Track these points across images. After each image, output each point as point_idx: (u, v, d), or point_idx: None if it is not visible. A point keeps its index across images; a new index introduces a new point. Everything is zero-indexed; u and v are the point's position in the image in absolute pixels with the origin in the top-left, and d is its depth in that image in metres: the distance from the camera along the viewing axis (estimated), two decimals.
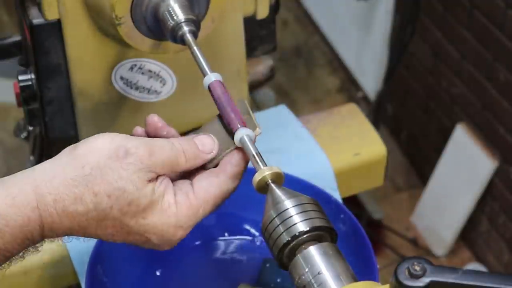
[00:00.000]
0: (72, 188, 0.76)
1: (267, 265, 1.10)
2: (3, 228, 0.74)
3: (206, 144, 0.84)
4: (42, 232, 0.77)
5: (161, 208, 0.79)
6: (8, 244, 0.75)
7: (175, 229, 0.80)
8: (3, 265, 0.77)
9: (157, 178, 0.80)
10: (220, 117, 0.88)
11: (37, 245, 0.79)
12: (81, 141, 0.80)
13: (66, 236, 0.80)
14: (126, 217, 0.78)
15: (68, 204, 0.76)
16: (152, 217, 0.79)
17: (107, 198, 0.77)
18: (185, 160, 0.81)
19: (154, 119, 0.88)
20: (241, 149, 0.85)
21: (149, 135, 0.87)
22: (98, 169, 0.77)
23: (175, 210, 0.80)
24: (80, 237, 0.80)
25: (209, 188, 0.82)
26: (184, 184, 0.83)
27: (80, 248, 1.11)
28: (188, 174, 0.85)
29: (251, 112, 0.89)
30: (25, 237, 0.76)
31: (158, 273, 1.12)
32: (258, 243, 1.16)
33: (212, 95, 0.89)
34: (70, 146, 0.80)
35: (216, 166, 0.85)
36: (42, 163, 0.79)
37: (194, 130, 0.90)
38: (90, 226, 0.78)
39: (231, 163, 0.84)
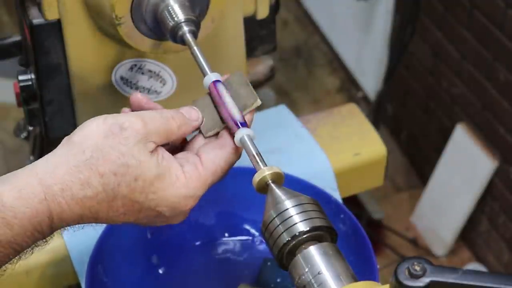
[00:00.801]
0: (77, 174, 0.77)
1: (267, 264, 1.10)
2: (12, 220, 0.74)
3: (191, 112, 0.86)
4: (52, 223, 0.77)
5: (169, 182, 0.80)
6: (18, 236, 0.75)
7: (185, 199, 0.81)
8: (13, 260, 0.77)
9: (157, 149, 0.81)
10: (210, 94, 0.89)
11: (46, 238, 0.79)
12: (76, 129, 0.80)
13: (77, 225, 0.80)
14: (135, 193, 0.79)
15: (76, 191, 0.77)
16: (162, 191, 0.80)
17: (113, 177, 0.77)
18: (177, 126, 0.83)
19: (138, 96, 0.89)
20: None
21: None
22: (98, 151, 0.77)
23: (184, 181, 0.81)
24: (92, 224, 0.80)
25: (216, 159, 0.83)
26: (189, 155, 0.84)
27: (80, 248, 1.11)
28: (181, 149, 0.87)
29: (249, 83, 0.89)
30: (35, 229, 0.76)
31: (158, 273, 1.12)
32: (258, 243, 1.16)
33: (212, 95, 0.89)
34: (66, 137, 0.80)
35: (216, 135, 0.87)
36: (42, 158, 0.79)
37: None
38: (101, 209, 0.78)
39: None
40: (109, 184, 0.77)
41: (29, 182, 0.76)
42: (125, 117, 0.80)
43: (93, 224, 0.81)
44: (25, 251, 0.78)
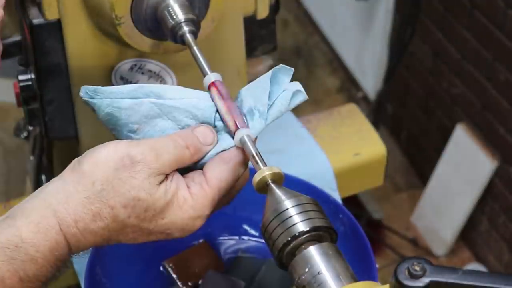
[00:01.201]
0: (88, 206, 0.77)
1: (267, 265, 1.10)
2: (35, 255, 0.75)
3: (207, 135, 0.84)
4: (70, 251, 0.78)
5: (177, 205, 0.80)
6: (43, 268, 0.76)
7: (194, 220, 0.81)
8: None
9: (166, 177, 0.80)
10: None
11: (67, 264, 0.80)
12: (85, 154, 0.80)
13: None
14: (145, 222, 0.79)
15: (88, 222, 0.77)
16: (170, 216, 0.80)
17: (123, 209, 0.78)
18: (190, 155, 0.82)
19: None
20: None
21: None
22: (109, 183, 0.77)
23: (191, 203, 0.81)
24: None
25: (221, 175, 0.83)
26: (195, 174, 0.83)
27: None
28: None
29: None
30: (57, 259, 0.77)
31: (157, 273, 1.12)
32: (258, 243, 1.16)
33: (212, 95, 0.89)
34: (74, 161, 0.80)
35: None
36: (52, 183, 0.79)
37: None
38: (112, 236, 0.80)
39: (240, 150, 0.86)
40: (119, 216, 0.78)
41: (45, 215, 0.77)
42: (137, 149, 0.79)
43: None
44: (50, 281, 0.79)
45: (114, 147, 0.79)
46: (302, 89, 0.86)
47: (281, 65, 0.86)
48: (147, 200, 0.78)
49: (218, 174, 0.83)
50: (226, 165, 0.83)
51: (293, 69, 0.86)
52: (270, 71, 0.85)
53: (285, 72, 0.86)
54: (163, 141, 0.81)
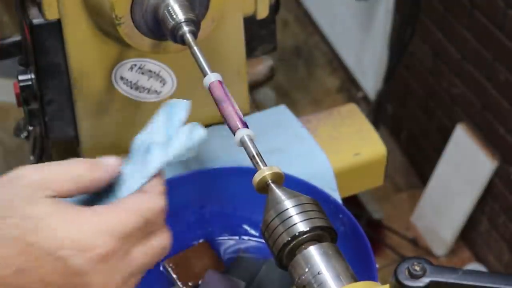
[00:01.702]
0: None
1: (267, 265, 1.10)
2: None
3: (108, 159, 0.71)
4: None
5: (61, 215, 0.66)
6: None
7: (93, 237, 0.66)
8: None
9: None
10: None
11: None
12: None
13: None
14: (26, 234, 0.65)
15: None
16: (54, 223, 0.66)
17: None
18: (85, 169, 0.69)
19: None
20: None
21: None
22: None
23: (91, 213, 0.67)
24: None
25: (127, 200, 0.70)
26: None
27: None
28: None
29: None
30: None
31: (157, 273, 1.12)
32: (258, 243, 1.16)
33: (212, 95, 0.89)
34: None
35: None
36: None
37: None
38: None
39: (153, 183, 0.72)
40: None
41: None
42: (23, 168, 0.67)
43: None
44: None
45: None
46: (201, 126, 0.77)
47: (174, 100, 0.79)
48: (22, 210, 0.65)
49: (125, 199, 0.70)
50: (139, 194, 0.71)
51: (189, 102, 0.79)
52: (163, 108, 0.79)
53: (180, 107, 0.78)
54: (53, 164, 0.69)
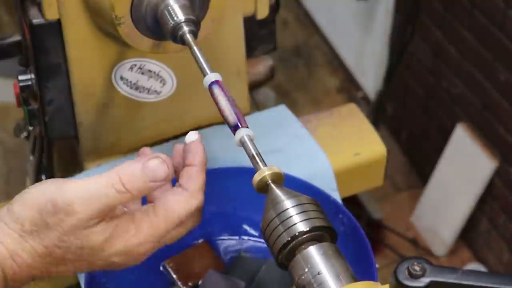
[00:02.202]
0: (24, 243, 0.76)
1: (267, 265, 1.10)
2: None
3: (157, 173, 0.78)
4: (6, 284, 0.77)
5: (118, 236, 0.78)
6: None
7: (137, 247, 0.80)
8: None
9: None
10: None
11: None
12: (22, 192, 0.78)
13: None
14: (83, 256, 0.78)
15: (25, 258, 0.77)
16: (111, 247, 0.78)
17: (58, 249, 0.77)
18: (131, 197, 0.77)
19: (145, 151, 0.88)
20: (193, 160, 0.83)
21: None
22: (38, 226, 0.76)
23: (133, 232, 0.79)
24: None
25: (168, 205, 0.80)
26: (145, 204, 0.82)
27: None
28: None
29: None
30: None
31: (157, 273, 1.12)
32: (258, 243, 1.16)
33: (212, 95, 0.89)
34: (15, 198, 0.79)
35: None
36: None
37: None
38: (50, 268, 0.79)
39: (189, 179, 0.83)
40: (54, 253, 0.77)
41: None
42: (64, 196, 0.75)
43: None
44: None
45: (43, 189, 0.77)
46: None
47: None
48: (80, 242, 0.77)
49: (164, 203, 0.81)
50: (174, 196, 0.81)
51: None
52: None
53: None
54: (96, 189, 0.76)
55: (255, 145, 0.84)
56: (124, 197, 0.76)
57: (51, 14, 1.06)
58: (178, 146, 0.87)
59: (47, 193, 0.76)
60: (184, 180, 0.83)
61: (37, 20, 1.07)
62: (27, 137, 1.39)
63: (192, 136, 0.86)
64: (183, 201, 0.81)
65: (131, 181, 0.76)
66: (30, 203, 0.76)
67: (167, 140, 1.22)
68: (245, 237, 1.17)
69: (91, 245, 0.77)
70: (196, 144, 0.85)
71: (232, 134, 0.86)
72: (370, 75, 2.81)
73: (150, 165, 0.77)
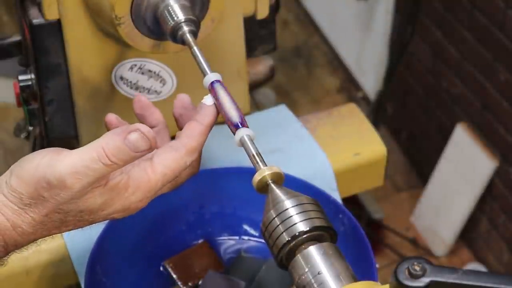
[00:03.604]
0: (24, 215, 0.79)
1: (267, 265, 1.10)
2: None
3: (138, 144, 0.80)
4: (7, 249, 0.80)
5: (116, 197, 0.81)
6: None
7: (135, 203, 0.83)
8: None
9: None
10: None
11: (4, 259, 0.82)
12: (18, 161, 0.81)
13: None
14: (83, 217, 0.81)
15: (26, 227, 0.79)
16: (110, 206, 0.82)
17: (57, 214, 0.80)
18: (117, 167, 0.79)
19: (141, 98, 0.92)
20: (202, 120, 0.87)
21: (136, 113, 0.92)
22: (35, 199, 0.79)
23: (131, 190, 0.82)
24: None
25: (166, 161, 0.84)
26: (141, 160, 0.84)
27: (80, 248, 1.11)
28: None
29: None
30: None
31: (157, 273, 1.12)
32: (258, 243, 1.16)
33: (212, 95, 0.89)
34: (11, 168, 0.81)
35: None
36: None
37: None
38: (53, 230, 0.81)
39: (190, 136, 0.86)
40: (55, 217, 0.80)
41: None
42: (56, 171, 0.77)
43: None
44: None
45: (37, 164, 0.79)
46: None
47: None
48: (79, 207, 0.80)
49: (164, 161, 0.84)
50: (171, 153, 0.84)
51: None
52: None
53: None
54: (84, 164, 0.78)
55: (255, 145, 0.84)
56: (112, 167, 0.79)
57: (51, 14, 1.06)
58: (182, 96, 0.92)
59: (40, 168, 0.78)
60: (185, 135, 0.86)
61: (37, 20, 1.07)
62: (27, 137, 1.39)
63: (208, 100, 0.88)
64: (179, 158, 0.84)
65: (115, 154, 0.78)
66: (26, 178, 0.78)
67: None
68: (245, 237, 1.17)
69: (90, 208, 0.80)
70: (210, 107, 0.88)
71: (232, 134, 0.86)
72: (370, 75, 2.81)
73: (131, 138, 0.79)
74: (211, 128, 0.88)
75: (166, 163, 0.83)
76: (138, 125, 0.80)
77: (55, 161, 0.78)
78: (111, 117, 0.93)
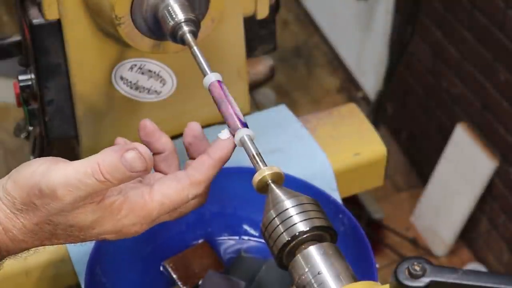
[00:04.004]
0: (15, 220, 0.78)
1: (267, 265, 1.10)
2: None
3: (135, 164, 0.77)
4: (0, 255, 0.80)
5: (109, 217, 0.80)
6: None
7: (128, 227, 0.81)
8: None
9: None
10: None
11: None
12: (17, 168, 0.80)
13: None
14: (73, 232, 0.80)
15: (16, 233, 0.79)
16: (101, 226, 0.80)
17: (48, 225, 0.79)
18: (111, 185, 0.78)
19: (146, 124, 0.89)
20: (213, 154, 0.85)
21: (141, 140, 0.88)
22: (27, 205, 0.78)
23: (125, 212, 0.80)
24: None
25: (166, 190, 0.82)
26: (140, 185, 0.83)
27: (80, 249, 1.11)
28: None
29: None
30: None
31: (157, 273, 1.12)
32: (258, 243, 1.16)
33: (212, 95, 0.89)
34: (10, 173, 0.80)
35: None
36: None
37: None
38: (44, 241, 0.81)
39: (197, 169, 0.84)
40: (45, 228, 0.79)
41: None
42: (50, 181, 0.77)
43: None
44: None
45: (33, 171, 0.78)
46: None
47: None
48: (68, 221, 0.79)
49: (164, 189, 0.82)
50: (173, 182, 0.82)
51: None
52: None
53: None
54: (77, 178, 0.77)
55: (255, 145, 0.84)
56: (106, 184, 0.77)
57: (51, 14, 1.06)
58: (193, 125, 0.89)
59: (35, 176, 0.77)
60: (192, 166, 0.84)
61: (37, 20, 1.07)
62: (27, 137, 1.39)
63: (225, 134, 0.86)
64: (180, 189, 0.82)
65: (109, 172, 0.76)
66: (21, 183, 0.78)
67: None
68: (245, 237, 1.17)
69: (80, 225, 0.79)
70: (224, 142, 0.86)
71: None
72: (370, 75, 2.81)
73: (127, 157, 0.77)
74: (223, 163, 0.85)
75: (166, 192, 0.82)
76: (137, 144, 0.78)
77: (51, 170, 0.77)
78: (120, 141, 0.89)
